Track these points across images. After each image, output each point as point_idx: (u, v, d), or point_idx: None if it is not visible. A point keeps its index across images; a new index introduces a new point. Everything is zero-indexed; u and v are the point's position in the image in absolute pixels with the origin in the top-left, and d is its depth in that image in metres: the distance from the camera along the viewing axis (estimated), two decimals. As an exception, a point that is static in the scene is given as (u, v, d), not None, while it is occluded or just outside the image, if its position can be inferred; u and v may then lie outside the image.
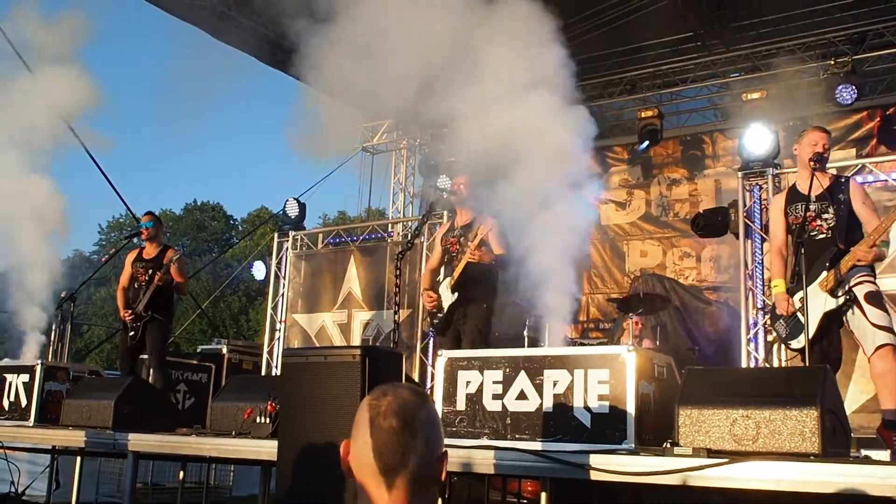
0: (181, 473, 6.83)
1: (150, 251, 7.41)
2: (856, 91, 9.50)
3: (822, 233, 4.75)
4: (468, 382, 4.42)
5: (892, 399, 4.42)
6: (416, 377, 8.39)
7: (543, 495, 4.02)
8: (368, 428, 1.63)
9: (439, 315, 5.93)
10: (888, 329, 4.46)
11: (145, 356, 7.46)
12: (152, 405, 6.15)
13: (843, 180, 4.90)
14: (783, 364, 6.74)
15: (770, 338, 7.10)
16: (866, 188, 5.85)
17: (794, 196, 4.92)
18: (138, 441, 5.49)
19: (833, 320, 4.67)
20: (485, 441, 4.24)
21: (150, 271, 7.22)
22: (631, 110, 11.70)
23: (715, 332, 9.93)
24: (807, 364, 4.48)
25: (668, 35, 10.64)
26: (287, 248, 10.31)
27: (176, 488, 7.14)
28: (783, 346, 5.13)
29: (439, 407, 4.44)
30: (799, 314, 4.69)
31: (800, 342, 4.71)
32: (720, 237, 9.86)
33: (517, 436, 4.17)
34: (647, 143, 11.00)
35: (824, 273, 4.63)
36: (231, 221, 48.21)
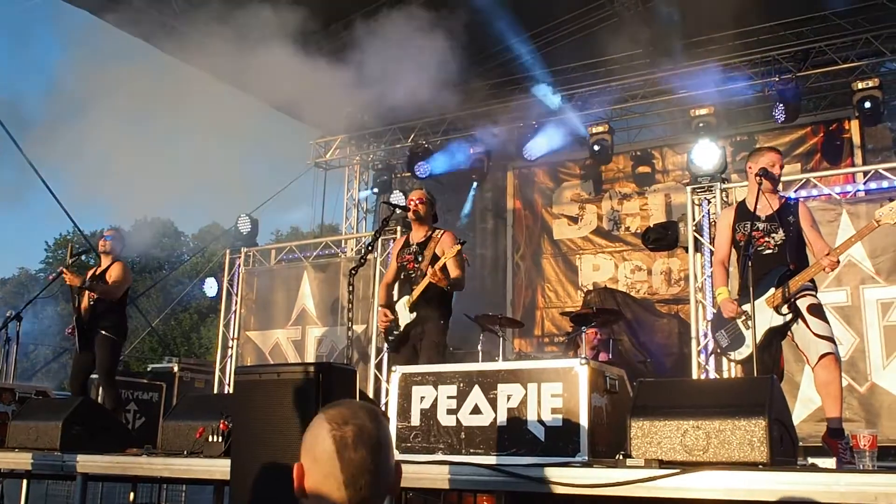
0: (132, 495, 6.70)
1: (103, 265, 7.32)
2: (784, 111, 9.75)
3: (769, 248, 4.84)
4: (422, 398, 4.42)
5: (836, 407, 4.53)
6: (370, 393, 8.35)
7: (499, 509, 4.03)
8: (336, 460, 1.61)
9: (395, 332, 5.93)
10: (830, 339, 4.57)
11: (94, 375, 7.32)
12: (102, 425, 6.02)
13: (791, 203, 5.00)
14: (733, 375, 6.85)
15: (707, 336, 7.21)
16: (810, 202, 6.01)
17: (742, 213, 4.99)
18: (87, 462, 5.38)
19: (775, 335, 4.76)
20: (439, 456, 4.24)
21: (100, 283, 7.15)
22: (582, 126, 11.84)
23: (666, 345, 10.07)
24: (754, 375, 4.56)
25: (618, 52, 10.80)
26: (239, 265, 10.21)
27: (126, 510, 7.00)
28: (725, 356, 5.22)
29: (393, 422, 4.44)
30: (741, 325, 4.78)
31: (741, 353, 4.80)
32: (670, 251, 10.04)
33: (472, 450, 4.18)
34: (601, 163, 11.18)
35: (772, 290, 4.71)
36: (181, 237, 47.50)
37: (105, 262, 7.34)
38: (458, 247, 5.66)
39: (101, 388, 7.20)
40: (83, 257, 7.48)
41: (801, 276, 4.69)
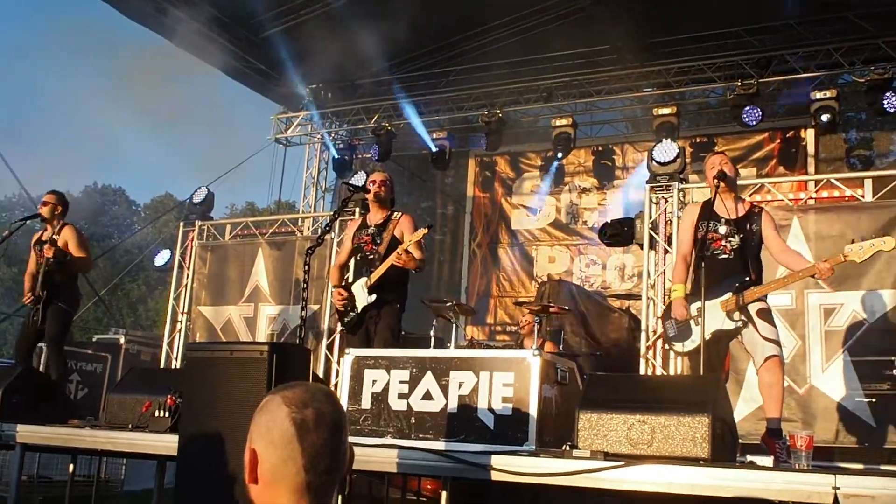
0: (71, 466, 6.60)
1: (50, 232, 7.13)
2: (760, 113, 9.93)
3: (726, 253, 4.92)
4: (374, 381, 4.43)
5: (776, 408, 4.65)
6: (320, 374, 8.32)
7: (444, 494, 4.06)
8: (297, 444, 1.58)
9: (351, 313, 5.89)
10: (776, 342, 4.70)
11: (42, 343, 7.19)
12: (43, 395, 5.92)
13: (757, 211, 5.09)
14: (680, 372, 6.97)
15: (657, 332, 7.29)
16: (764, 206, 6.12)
17: (706, 212, 5.04)
18: (27, 433, 5.29)
19: (723, 336, 4.87)
20: (388, 440, 4.26)
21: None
22: (546, 118, 11.89)
23: (617, 339, 10.19)
24: (700, 369, 4.66)
25: (585, 46, 10.87)
26: (192, 238, 10.05)
27: (64, 481, 6.89)
28: (669, 346, 5.31)
29: (344, 405, 4.44)
30: (692, 322, 4.88)
31: (685, 346, 4.92)
32: (625, 247, 10.16)
33: (421, 435, 4.21)
34: (560, 154, 11.23)
35: (728, 294, 4.80)
36: (133, 207, 46.78)
37: (52, 228, 7.15)
38: (426, 230, 5.66)
39: (48, 358, 7.07)
40: (28, 222, 7.28)
41: (760, 289, 4.79)
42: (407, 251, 5.58)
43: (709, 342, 4.74)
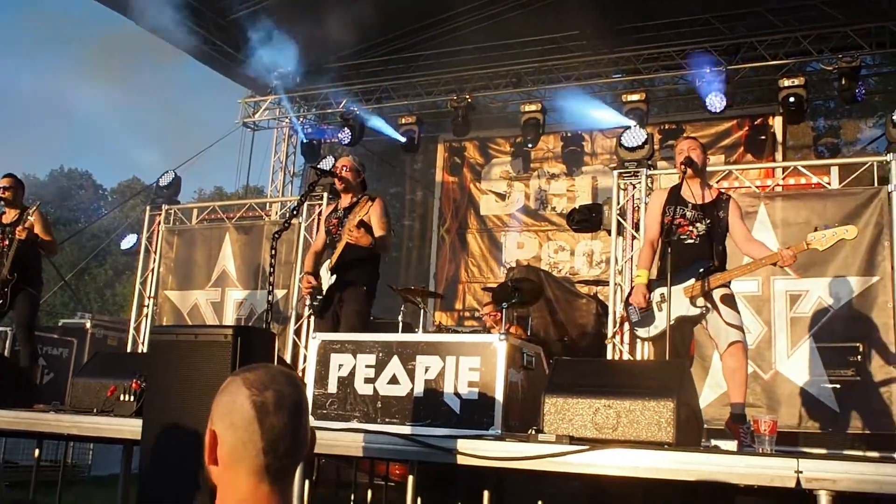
0: (37, 451, 6.53)
1: (11, 215, 7.02)
2: (724, 100, 9.97)
3: (692, 238, 4.94)
4: (341, 365, 4.42)
5: (740, 394, 4.69)
6: (287, 358, 8.28)
7: (410, 478, 4.07)
8: (256, 426, 1.57)
9: (319, 297, 5.87)
10: (739, 328, 4.73)
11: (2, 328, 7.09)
12: (7, 380, 5.84)
13: (725, 198, 5.11)
14: (646, 357, 7.02)
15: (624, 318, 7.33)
16: (731, 192, 6.17)
17: (673, 197, 5.05)
18: (-10, 417, 5.22)
19: (687, 322, 4.89)
20: (355, 424, 4.25)
21: (11, 235, 6.84)
22: (515, 103, 11.89)
23: (584, 325, 10.24)
24: (665, 354, 4.69)
25: (555, 32, 10.86)
26: (159, 222, 9.93)
27: (30, 466, 6.80)
28: (633, 331, 5.33)
29: (310, 389, 4.43)
30: (654, 305, 4.90)
31: (647, 332, 4.93)
32: (594, 233, 10.20)
33: (387, 420, 4.20)
34: (531, 143, 11.22)
35: (692, 280, 4.81)
36: (100, 191, 46.18)
37: (12, 212, 7.04)
38: (370, 204, 5.64)
39: (19, 343, 6.98)
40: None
41: (724, 275, 4.81)
42: (358, 227, 5.54)
43: (672, 327, 4.77)
